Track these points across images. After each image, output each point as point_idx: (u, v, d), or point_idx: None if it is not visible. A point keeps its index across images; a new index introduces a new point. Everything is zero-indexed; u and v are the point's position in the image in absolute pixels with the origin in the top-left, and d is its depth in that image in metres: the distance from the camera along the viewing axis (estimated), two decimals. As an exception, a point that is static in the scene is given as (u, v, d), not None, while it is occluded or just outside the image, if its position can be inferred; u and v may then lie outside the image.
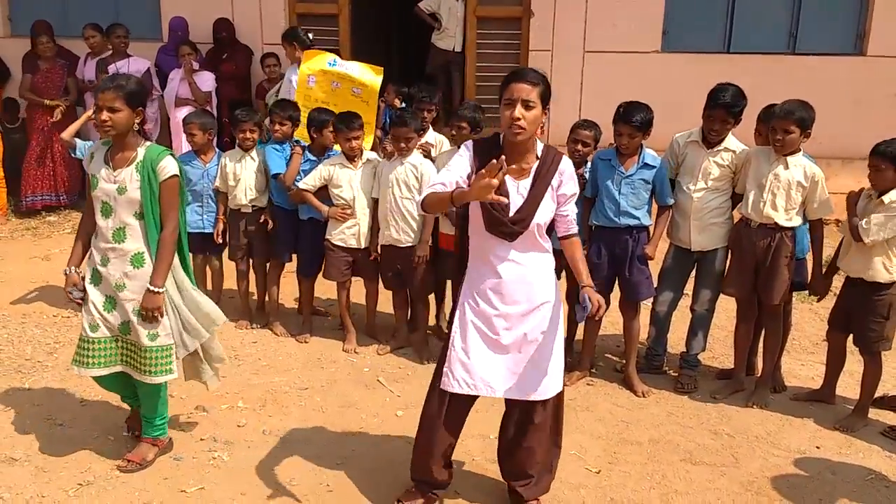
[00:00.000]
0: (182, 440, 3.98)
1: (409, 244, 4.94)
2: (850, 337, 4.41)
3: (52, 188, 8.06)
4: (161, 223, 3.52)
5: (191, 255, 4.01)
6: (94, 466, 3.72)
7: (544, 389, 3.24)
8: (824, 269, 4.50)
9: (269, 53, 7.91)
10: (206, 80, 7.75)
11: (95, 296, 3.58)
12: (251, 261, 5.51)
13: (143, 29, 8.37)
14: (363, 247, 5.11)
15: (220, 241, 5.45)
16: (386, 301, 5.41)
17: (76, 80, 8.10)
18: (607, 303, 4.77)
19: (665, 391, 4.70)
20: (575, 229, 3.26)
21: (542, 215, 3.12)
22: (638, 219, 4.54)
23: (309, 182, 5.07)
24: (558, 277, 3.63)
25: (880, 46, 8.03)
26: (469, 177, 3.09)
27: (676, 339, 5.01)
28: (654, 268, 4.77)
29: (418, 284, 5.05)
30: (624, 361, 4.85)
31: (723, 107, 4.39)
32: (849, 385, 4.65)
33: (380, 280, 5.25)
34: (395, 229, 4.94)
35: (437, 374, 3.30)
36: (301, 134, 5.45)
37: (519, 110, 2.98)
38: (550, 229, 3.24)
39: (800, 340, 5.53)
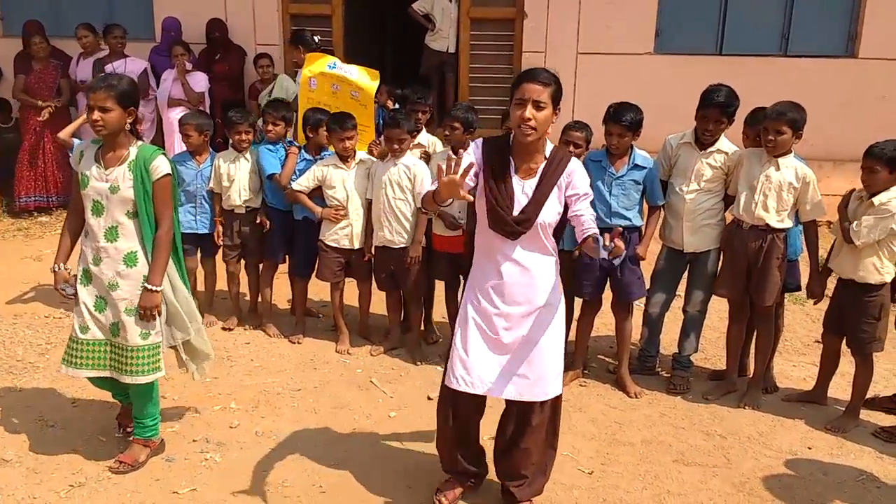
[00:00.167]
0: (174, 441, 3.97)
1: (403, 245, 4.94)
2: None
3: (44, 189, 8.04)
4: (156, 222, 3.53)
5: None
6: (85, 468, 3.71)
7: (542, 392, 3.25)
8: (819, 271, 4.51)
9: (262, 54, 7.89)
10: (199, 81, 7.74)
11: (86, 296, 3.57)
12: (243, 262, 5.50)
13: (135, 29, 8.34)
14: (357, 247, 5.10)
15: (221, 242, 5.42)
16: (379, 302, 5.40)
17: (69, 80, 8.07)
18: (599, 304, 4.82)
19: (657, 392, 4.71)
20: (593, 231, 3.01)
21: (547, 215, 3.12)
22: (629, 219, 4.55)
23: (303, 183, 5.06)
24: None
25: (872, 49, 8.07)
26: (475, 174, 3.13)
27: (669, 341, 5.02)
28: (646, 268, 4.78)
29: (411, 285, 5.05)
30: (616, 362, 4.86)
31: (717, 106, 4.41)
32: (840, 386, 4.66)
33: (373, 281, 5.25)
34: (388, 230, 4.94)
35: (444, 370, 3.35)
36: (301, 138, 5.44)
37: (529, 110, 2.98)
38: (559, 233, 3.24)
39: (791, 342, 5.54)
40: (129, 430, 3.89)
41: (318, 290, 5.67)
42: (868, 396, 4.46)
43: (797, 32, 8.21)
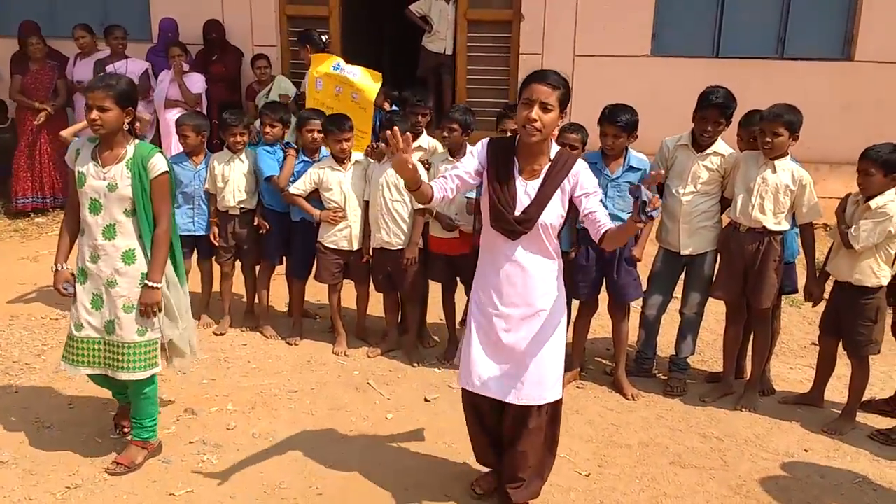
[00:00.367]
0: (171, 443, 3.96)
1: (400, 247, 4.93)
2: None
3: (41, 191, 8.02)
4: (155, 220, 3.55)
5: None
6: (82, 469, 3.70)
7: (539, 395, 3.26)
8: (817, 274, 4.52)
9: (259, 55, 7.90)
10: (196, 82, 7.72)
11: (82, 295, 3.59)
12: (237, 263, 5.48)
13: (132, 30, 8.30)
14: (355, 249, 5.10)
15: (217, 243, 5.38)
16: (376, 304, 5.40)
17: (66, 80, 8.05)
18: (596, 305, 4.82)
19: (654, 394, 4.72)
20: (609, 225, 3.10)
21: (549, 217, 3.13)
22: (624, 221, 4.53)
23: (300, 186, 5.06)
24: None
25: (868, 51, 8.08)
26: (476, 171, 3.18)
27: (666, 343, 5.02)
28: (643, 270, 4.78)
29: (408, 287, 5.05)
30: (613, 365, 4.87)
31: (716, 107, 4.41)
32: (836, 388, 4.67)
33: (370, 282, 5.25)
34: (385, 232, 4.93)
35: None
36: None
37: (536, 111, 2.98)
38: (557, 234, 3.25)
39: (788, 344, 5.55)
40: (125, 430, 3.89)
41: (316, 291, 5.67)
42: (864, 399, 4.47)
43: (793, 35, 8.21)
